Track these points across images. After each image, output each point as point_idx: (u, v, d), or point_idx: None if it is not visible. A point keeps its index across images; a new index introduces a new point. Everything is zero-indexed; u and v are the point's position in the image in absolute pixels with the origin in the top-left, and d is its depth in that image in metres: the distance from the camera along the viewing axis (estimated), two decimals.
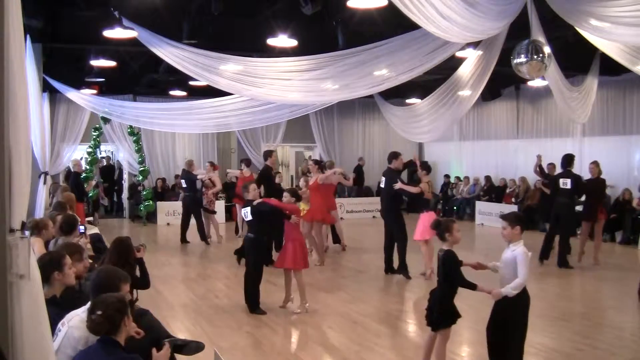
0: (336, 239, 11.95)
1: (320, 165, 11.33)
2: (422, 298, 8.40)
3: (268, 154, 11.08)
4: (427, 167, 9.83)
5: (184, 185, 13.15)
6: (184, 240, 12.82)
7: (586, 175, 10.81)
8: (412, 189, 9.26)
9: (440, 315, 4.85)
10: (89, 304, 3.38)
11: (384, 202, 9.74)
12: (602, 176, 10.57)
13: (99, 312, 2.97)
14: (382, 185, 9.63)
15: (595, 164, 10.48)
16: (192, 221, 13.20)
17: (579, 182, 10.19)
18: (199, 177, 12.93)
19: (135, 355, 3.12)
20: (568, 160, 10.33)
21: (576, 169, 10.70)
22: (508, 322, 4.73)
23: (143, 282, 5.15)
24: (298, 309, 7.29)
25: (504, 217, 4.89)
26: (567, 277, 9.74)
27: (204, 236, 12.79)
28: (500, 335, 4.77)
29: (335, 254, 11.46)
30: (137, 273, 5.14)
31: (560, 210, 10.24)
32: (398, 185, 9.12)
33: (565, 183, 10.18)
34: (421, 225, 9.20)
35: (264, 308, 7.31)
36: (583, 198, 11.30)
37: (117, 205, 18.72)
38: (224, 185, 18.08)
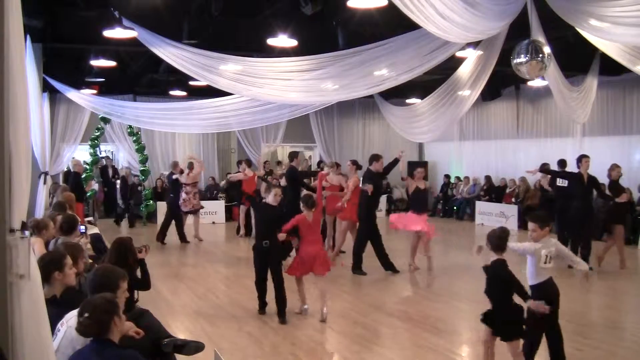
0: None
1: (358, 165, 11.26)
2: (422, 298, 8.42)
3: (294, 155, 11.13)
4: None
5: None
6: (160, 239, 12.73)
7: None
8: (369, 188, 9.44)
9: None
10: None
11: (361, 203, 9.84)
12: (602, 176, 10.57)
13: (87, 315, 2.95)
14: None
15: (615, 166, 10.32)
16: (190, 221, 13.31)
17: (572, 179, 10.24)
18: (173, 177, 13.01)
19: (130, 350, 3.12)
20: (561, 164, 10.60)
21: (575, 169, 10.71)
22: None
23: (144, 283, 5.15)
24: (299, 309, 7.32)
25: (533, 219, 4.94)
26: (567, 277, 9.71)
27: (182, 237, 12.93)
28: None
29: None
30: (138, 274, 5.14)
31: (562, 210, 10.36)
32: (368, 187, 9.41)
33: (563, 182, 10.29)
34: (404, 217, 9.60)
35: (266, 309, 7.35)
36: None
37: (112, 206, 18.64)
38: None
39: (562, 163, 11.40)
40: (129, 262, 4.89)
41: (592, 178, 9.97)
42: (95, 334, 2.97)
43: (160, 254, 11.44)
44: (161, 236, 12.74)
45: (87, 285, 3.56)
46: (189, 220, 13.38)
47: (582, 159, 10.10)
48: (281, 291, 7.01)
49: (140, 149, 16.45)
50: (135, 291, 4.98)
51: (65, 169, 15.33)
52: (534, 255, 4.82)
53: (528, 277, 4.95)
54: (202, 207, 13.69)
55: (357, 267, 9.61)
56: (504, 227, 4.96)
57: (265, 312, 7.22)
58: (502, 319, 4.76)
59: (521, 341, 4.83)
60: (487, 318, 4.86)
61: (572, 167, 10.78)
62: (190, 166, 13.10)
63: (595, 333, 6.66)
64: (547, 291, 4.87)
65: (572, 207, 10.11)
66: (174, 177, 12.98)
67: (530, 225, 4.87)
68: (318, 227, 7.30)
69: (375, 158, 9.80)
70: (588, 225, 10.06)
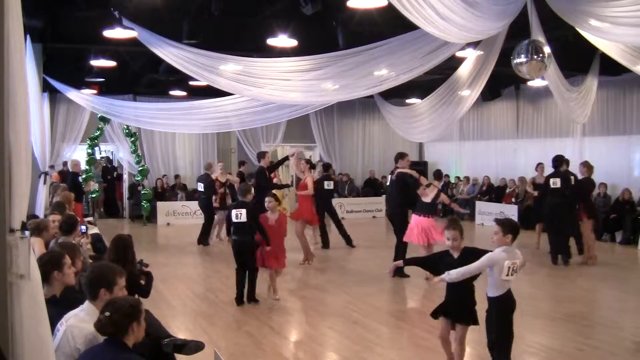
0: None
1: (312, 164, 11.33)
2: (422, 298, 8.42)
3: (261, 155, 11.13)
4: (438, 175, 9.89)
5: (200, 189, 13.05)
6: (203, 241, 12.70)
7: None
8: (413, 172, 9.09)
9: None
10: (85, 302, 3.38)
11: (390, 201, 9.69)
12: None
13: (107, 314, 2.99)
14: (388, 184, 9.57)
15: (584, 164, 10.52)
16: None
17: (566, 180, 10.26)
18: (213, 176, 12.98)
19: (140, 357, 3.13)
20: (557, 160, 10.46)
21: (577, 169, 10.71)
22: (493, 325, 4.72)
23: (145, 291, 5.16)
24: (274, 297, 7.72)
25: (499, 222, 4.80)
26: (567, 277, 9.74)
27: (205, 239, 12.74)
28: (491, 336, 4.76)
29: (334, 254, 11.45)
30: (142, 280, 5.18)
31: (553, 209, 10.33)
32: (398, 170, 9.12)
33: (555, 182, 10.28)
34: (414, 227, 8.93)
35: (264, 308, 7.37)
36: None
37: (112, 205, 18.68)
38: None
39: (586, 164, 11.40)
40: (129, 259, 4.93)
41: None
42: (110, 334, 3.00)
43: (160, 254, 11.44)
44: (204, 238, 12.67)
45: (82, 280, 3.57)
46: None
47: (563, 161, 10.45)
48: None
49: (135, 150, 16.51)
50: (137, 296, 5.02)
51: (60, 169, 15.32)
52: (494, 267, 4.60)
53: (487, 288, 4.74)
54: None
55: (399, 270, 9.17)
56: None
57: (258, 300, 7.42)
58: (463, 306, 4.86)
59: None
60: (445, 312, 4.98)
61: (576, 167, 10.80)
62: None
63: (595, 333, 6.66)
64: (506, 304, 4.69)
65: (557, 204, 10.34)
66: (214, 176, 12.90)
67: (495, 227, 4.73)
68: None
69: (401, 156, 9.43)
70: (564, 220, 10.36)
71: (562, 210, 10.27)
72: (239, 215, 7.30)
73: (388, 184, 9.62)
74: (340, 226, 12.17)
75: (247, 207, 7.33)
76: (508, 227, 4.71)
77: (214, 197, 12.83)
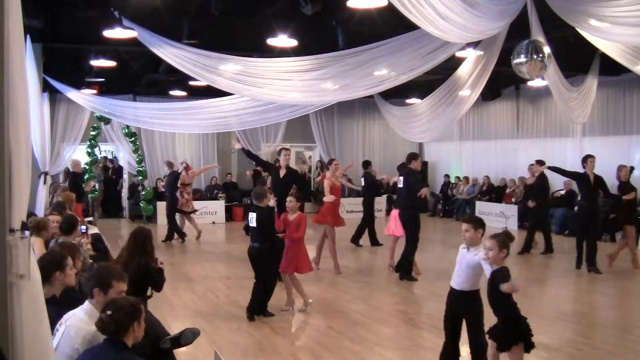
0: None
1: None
2: (422, 298, 8.43)
3: (278, 153, 11.17)
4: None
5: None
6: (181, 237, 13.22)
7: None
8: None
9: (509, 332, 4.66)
10: (85, 302, 3.39)
11: (402, 202, 9.55)
12: (601, 176, 10.56)
13: (109, 313, 3.01)
14: (400, 185, 9.40)
15: (620, 168, 10.25)
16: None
17: (602, 183, 10.06)
18: (180, 173, 13.31)
19: (140, 358, 3.13)
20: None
21: (576, 169, 10.66)
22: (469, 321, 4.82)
23: (157, 283, 5.16)
24: (303, 306, 7.39)
25: (467, 220, 4.86)
26: (568, 277, 9.74)
27: (170, 236, 13.16)
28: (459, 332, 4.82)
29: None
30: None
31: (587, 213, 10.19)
32: (424, 191, 9.22)
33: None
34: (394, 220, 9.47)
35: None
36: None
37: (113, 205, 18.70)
38: (224, 185, 18.12)
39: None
40: (147, 250, 5.05)
41: (598, 178, 9.95)
42: (111, 333, 3.01)
43: (160, 254, 11.39)
44: (181, 235, 13.12)
45: (82, 280, 3.58)
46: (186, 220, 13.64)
47: (587, 159, 10.06)
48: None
49: (136, 150, 16.50)
50: (149, 288, 5.13)
51: (65, 169, 15.36)
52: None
53: (463, 282, 4.80)
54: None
55: (406, 273, 9.26)
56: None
57: (272, 314, 7.23)
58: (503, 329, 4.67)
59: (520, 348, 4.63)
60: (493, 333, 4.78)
61: (576, 167, 10.70)
62: (187, 167, 13.40)
63: (595, 333, 6.66)
64: (479, 299, 4.80)
65: (578, 207, 10.12)
66: (181, 173, 13.18)
67: (464, 225, 4.72)
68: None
69: (413, 157, 9.45)
70: (594, 225, 10.10)
71: (596, 215, 10.18)
72: (251, 219, 7.04)
73: (400, 185, 9.49)
74: (364, 225, 12.50)
75: (257, 212, 6.94)
76: (479, 222, 4.78)
77: (180, 201, 13.20)
